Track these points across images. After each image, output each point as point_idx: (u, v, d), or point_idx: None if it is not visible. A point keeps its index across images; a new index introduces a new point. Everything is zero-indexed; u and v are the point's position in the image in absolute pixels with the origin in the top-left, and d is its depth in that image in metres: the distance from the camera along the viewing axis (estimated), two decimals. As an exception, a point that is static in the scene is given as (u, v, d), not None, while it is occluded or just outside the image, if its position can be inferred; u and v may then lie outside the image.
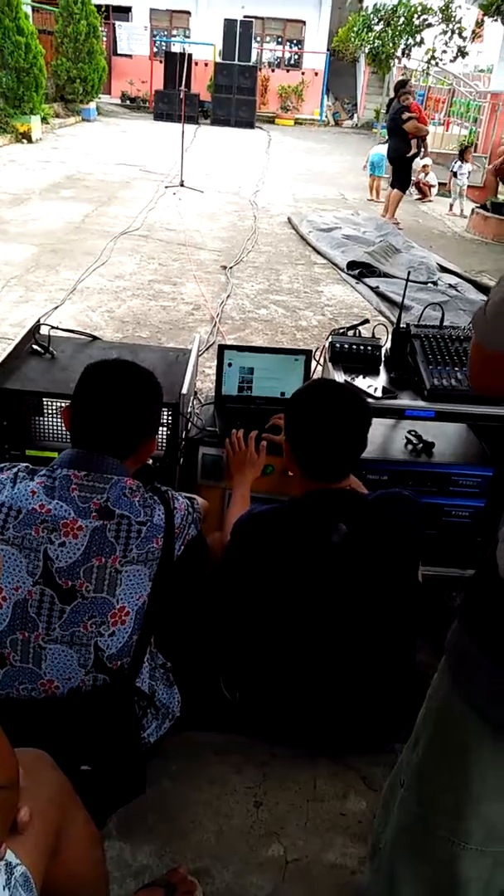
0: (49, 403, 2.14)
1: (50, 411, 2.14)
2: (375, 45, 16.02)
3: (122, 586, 1.33)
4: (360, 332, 2.45)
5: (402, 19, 14.60)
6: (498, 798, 0.90)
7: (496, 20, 12.94)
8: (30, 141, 12.58)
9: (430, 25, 14.16)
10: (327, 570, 1.49)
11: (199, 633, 1.74)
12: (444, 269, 6.80)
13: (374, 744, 1.64)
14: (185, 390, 2.12)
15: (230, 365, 2.33)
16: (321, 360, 2.45)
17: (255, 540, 1.56)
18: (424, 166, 11.33)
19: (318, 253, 7.04)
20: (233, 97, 18.10)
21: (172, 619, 1.52)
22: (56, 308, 4.90)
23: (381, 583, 1.52)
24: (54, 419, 2.13)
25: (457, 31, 13.78)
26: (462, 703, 0.90)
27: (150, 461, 1.98)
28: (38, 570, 1.31)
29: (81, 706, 1.33)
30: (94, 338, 2.55)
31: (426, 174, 11.44)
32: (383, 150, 10.14)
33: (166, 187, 9.43)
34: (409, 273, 2.56)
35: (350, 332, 2.43)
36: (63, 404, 2.10)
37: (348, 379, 2.21)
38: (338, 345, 2.33)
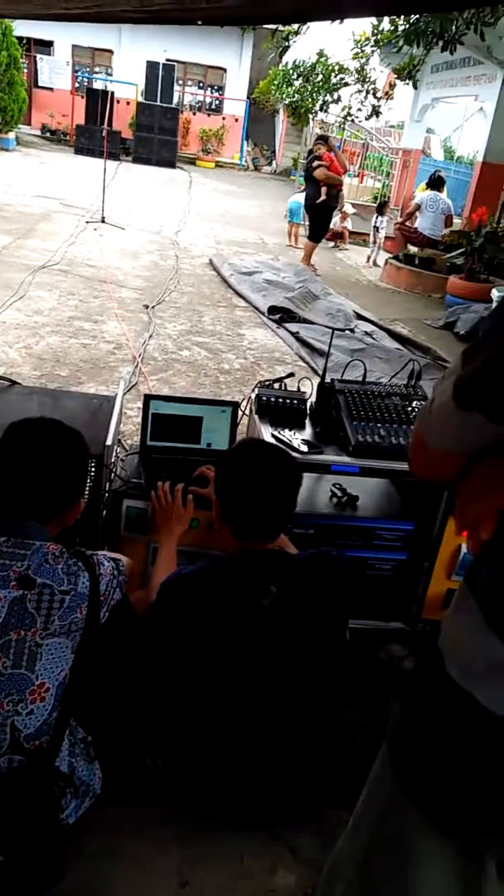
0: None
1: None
2: (295, 99, 16.68)
3: (43, 661, 1.25)
4: (285, 384, 2.47)
5: (321, 77, 15.29)
6: None
7: (408, 83, 13.77)
8: None
9: (346, 84, 14.89)
10: (256, 633, 1.46)
11: (122, 701, 1.66)
12: (360, 317, 7.04)
13: (302, 810, 1.61)
14: (109, 441, 2.06)
15: (155, 415, 2.30)
16: (247, 412, 2.45)
17: (184, 602, 1.51)
18: (343, 212, 11.83)
19: (240, 296, 7.15)
20: (154, 137, 18.32)
21: (95, 690, 1.45)
22: (-30, 343, 4.72)
23: (309, 645, 1.51)
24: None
25: (371, 91, 14.55)
26: (406, 799, 0.88)
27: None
28: (-49, 645, 1.22)
29: (-5, 791, 1.23)
30: (14, 382, 2.46)
31: (343, 220, 11.92)
32: (300, 198, 10.53)
33: (87, 222, 9.37)
34: (332, 331, 2.62)
35: (276, 385, 2.45)
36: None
37: (274, 432, 2.22)
38: (264, 398, 2.34)
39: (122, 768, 1.59)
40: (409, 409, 2.29)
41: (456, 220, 9.95)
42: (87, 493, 1.99)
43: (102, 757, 1.50)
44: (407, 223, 9.84)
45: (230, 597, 1.48)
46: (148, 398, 2.31)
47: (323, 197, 9.15)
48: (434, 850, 0.84)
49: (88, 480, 1.99)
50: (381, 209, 11.32)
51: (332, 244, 11.75)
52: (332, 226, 11.47)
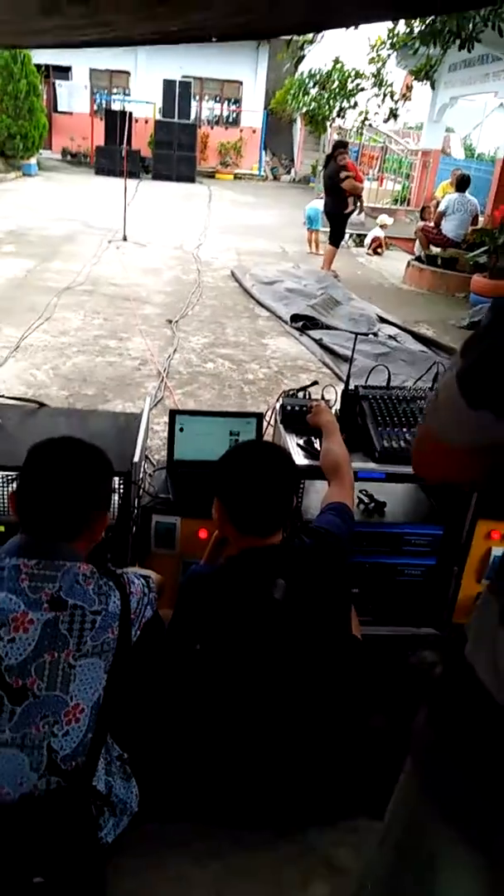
0: (-7, 475, 2.07)
1: (-5, 484, 2.07)
2: (312, 107, 16.73)
3: (76, 682, 1.27)
4: (309, 393, 2.47)
5: (337, 84, 15.32)
6: None
7: (425, 84, 13.71)
8: (-30, 195, 12.55)
9: (363, 90, 14.89)
10: (274, 627, 1.48)
11: (156, 717, 1.67)
12: (383, 320, 7.00)
13: (334, 817, 1.60)
14: (136, 458, 2.08)
15: (182, 430, 2.32)
16: (272, 422, 2.46)
17: (199, 602, 1.56)
18: (384, 225, 11.85)
19: (262, 306, 7.17)
20: (173, 153, 18.54)
21: (129, 708, 1.46)
22: (-1, 367, 4.81)
23: (323, 633, 1.53)
24: (1, 492, 2.06)
25: (388, 94, 14.52)
26: (434, 811, 0.87)
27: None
28: (-13, 668, 1.24)
29: (34, 813, 1.24)
30: (41, 404, 2.50)
31: (384, 229, 11.93)
32: (318, 204, 10.53)
33: (109, 242, 9.51)
34: (356, 336, 2.61)
35: (300, 394, 2.45)
36: (3, 475, 2.04)
37: (300, 441, 2.22)
38: (288, 407, 2.34)
39: (157, 785, 1.59)
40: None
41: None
42: (115, 507, 2.01)
43: (138, 774, 1.51)
44: (431, 225, 9.77)
45: (242, 594, 1.51)
46: (173, 414, 2.33)
47: (351, 207, 9.14)
48: (462, 863, 0.83)
49: (117, 497, 2.01)
50: (423, 213, 11.30)
51: (369, 252, 11.74)
52: (372, 236, 11.55)
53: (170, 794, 1.59)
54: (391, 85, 14.86)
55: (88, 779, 1.30)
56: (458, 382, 0.80)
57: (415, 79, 14.10)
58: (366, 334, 6.26)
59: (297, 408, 2.33)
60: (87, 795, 1.30)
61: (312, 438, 2.20)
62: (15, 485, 1.94)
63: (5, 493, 2.05)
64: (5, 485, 2.04)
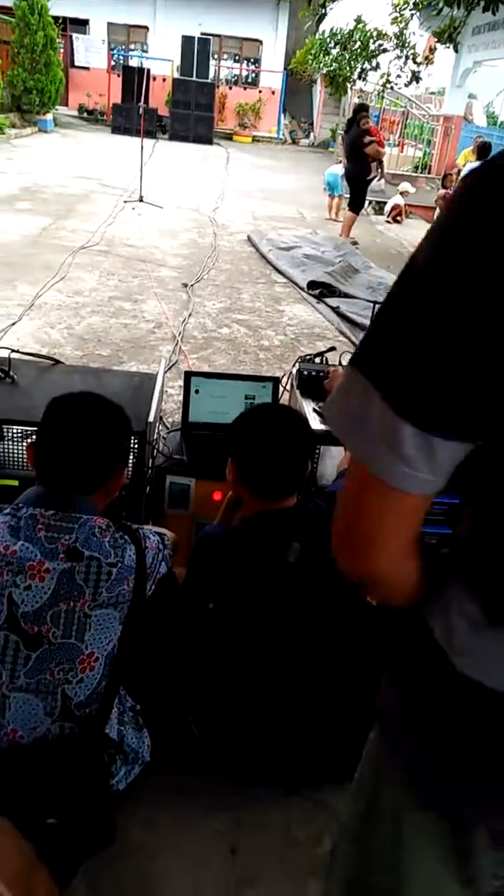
0: (8, 430, 2.07)
1: (10, 439, 2.07)
2: (332, 68, 16.30)
3: (91, 631, 1.28)
4: (326, 359, 2.45)
5: (358, 44, 14.90)
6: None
7: (448, 47, 13.32)
8: (-16, 151, 12.39)
9: (385, 51, 14.49)
10: (288, 589, 1.49)
11: (168, 671, 1.69)
12: (401, 290, 6.90)
13: (345, 776, 1.62)
14: (151, 418, 2.08)
15: (197, 392, 2.30)
16: (288, 387, 2.44)
17: (212, 562, 1.57)
18: (405, 192, 11.61)
19: (279, 272, 7.08)
20: (191, 113, 18.17)
21: (142, 661, 1.47)
22: (13, 324, 4.79)
23: (336, 596, 1.52)
24: (16, 447, 2.06)
25: (410, 57, 14.13)
26: (397, 776, 0.84)
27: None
28: (3, 614, 1.26)
29: (47, 756, 1.27)
30: (57, 361, 2.49)
31: (405, 196, 11.69)
32: (337, 169, 10.32)
33: (125, 202, 9.38)
34: (374, 305, 2.57)
35: (317, 359, 2.43)
36: (18, 429, 2.04)
37: (316, 406, 2.20)
38: (305, 372, 2.32)
39: (170, 737, 1.62)
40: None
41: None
42: (129, 467, 2.01)
43: (150, 725, 1.53)
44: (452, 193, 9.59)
45: (256, 556, 1.52)
46: (189, 375, 2.31)
47: (374, 173, 8.95)
48: (427, 830, 0.82)
49: (132, 457, 2.02)
50: (443, 182, 11.07)
51: (388, 220, 11.51)
52: (392, 203, 11.32)
53: (182, 748, 1.62)
54: (414, 47, 14.47)
55: (101, 726, 1.32)
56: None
57: (438, 41, 13.69)
58: (383, 303, 6.18)
59: (313, 373, 2.31)
60: (99, 742, 1.32)
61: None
62: (32, 437, 1.95)
63: (22, 448, 2.06)
64: (21, 439, 2.05)
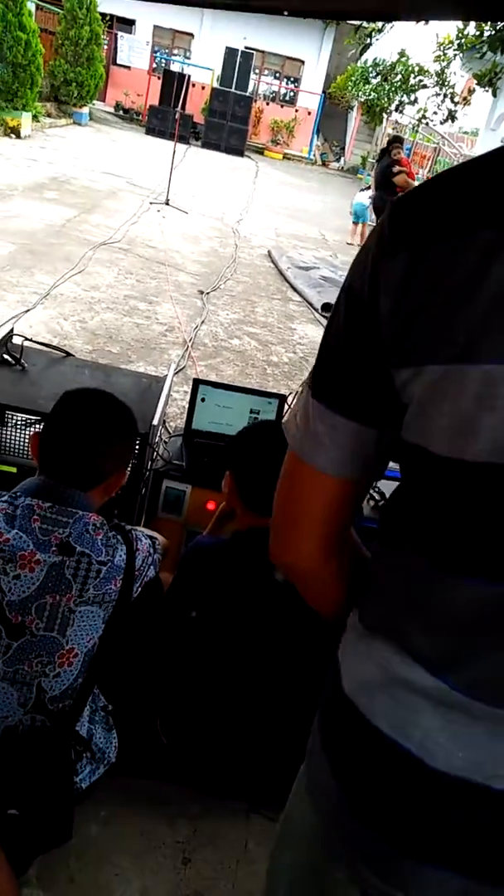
0: (11, 417, 2.08)
1: (13, 425, 2.08)
2: (371, 97, 16.49)
3: (74, 627, 1.29)
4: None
5: (399, 77, 15.10)
6: None
7: (487, 90, 13.50)
8: (18, 137, 12.45)
9: (424, 87, 14.68)
10: (272, 607, 1.50)
11: (144, 675, 1.69)
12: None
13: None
14: (155, 421, 2.09)
15: (203, 400, 2.32)
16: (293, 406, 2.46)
17: (200, 573, 1.57)
18: None
19: (295, 290, 7.13)
20: (226, 123, 18.34)
21: (119, 662, 1.48)
22: (27, 311, 4.81)
23: (322, 621, 1.53)
24: (17, 434, 2.07)
25: (449, 96, 14.31)
26: (315, 818, 0.79)
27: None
28: (-12, 601, 1.26)
29: (15, 747, 1.27)
30: (68, 354, 2.50)
31: None
32: (362, 197, 10.42)
33: (151, 203, 9.44)
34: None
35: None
36: (21, 417, 2.05)
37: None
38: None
39: (138, 741, 1.62)
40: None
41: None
42: (130, 467, 2.02)
43: (120, 727, 1.53)
44: None
45: (244, 571, 1.52)
46: (197, 382, 2.33)
47: None
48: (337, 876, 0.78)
49: (132, 457, 2.03)
50: None
51: None
52: None
53: (149, 753, 1.62)
54: (453, 86, 14.64)
55: (72, 723, 1.32)
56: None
57: (477, 83, 13.89)
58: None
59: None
60: (68, 738, 1.33)
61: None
62: (37, 427, 1.96)
63: (23, 436, 2.06)
64: (24, 427, 2.05)
